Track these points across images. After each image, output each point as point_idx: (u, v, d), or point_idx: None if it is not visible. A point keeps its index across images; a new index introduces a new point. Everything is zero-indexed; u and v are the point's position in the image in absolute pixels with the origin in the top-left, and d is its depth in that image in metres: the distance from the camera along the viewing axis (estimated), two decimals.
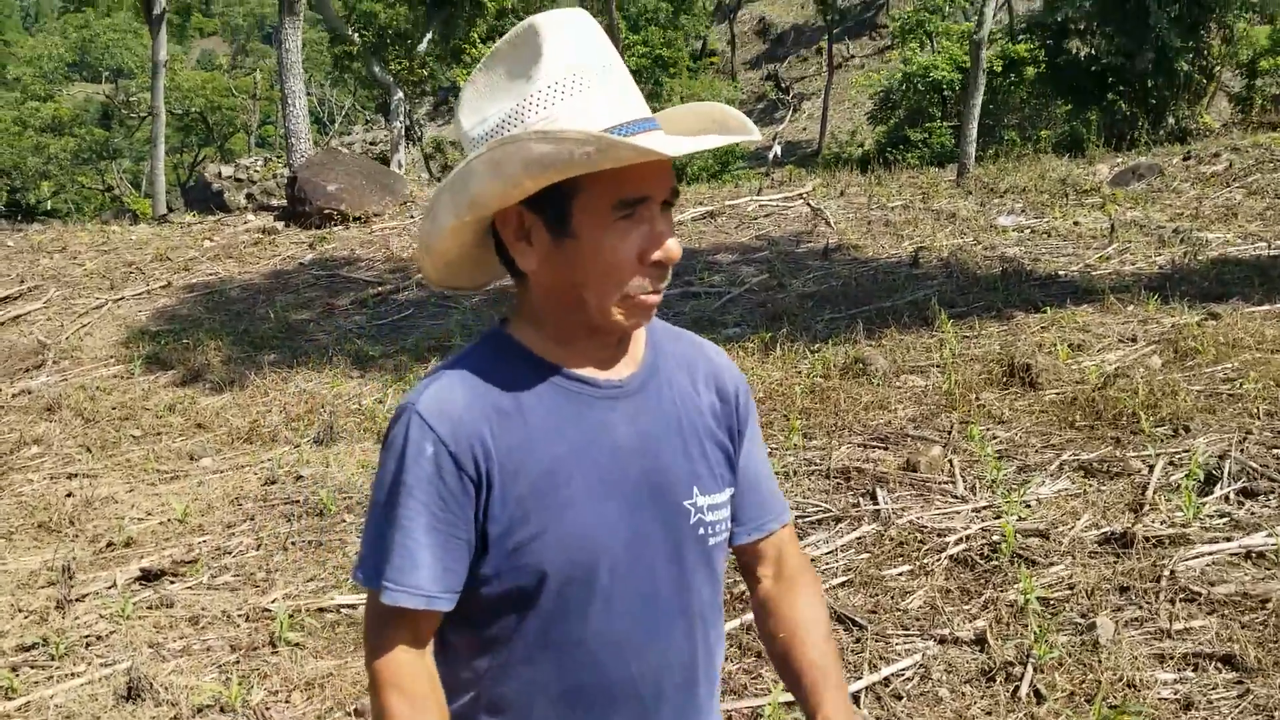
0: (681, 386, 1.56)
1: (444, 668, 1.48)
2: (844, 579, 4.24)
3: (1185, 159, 13.22)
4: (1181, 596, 3.80)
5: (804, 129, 38.63)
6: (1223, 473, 4.65)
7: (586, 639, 1.44)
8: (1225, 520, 4.33)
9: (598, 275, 1.40)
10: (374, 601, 1.42)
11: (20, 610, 4.67)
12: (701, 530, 1.51)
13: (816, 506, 4.91)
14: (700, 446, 1.54)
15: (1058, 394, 6.02)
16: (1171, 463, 4.92)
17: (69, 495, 6.23)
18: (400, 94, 22.84)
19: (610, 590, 1.44)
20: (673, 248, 1.40)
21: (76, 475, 6.64)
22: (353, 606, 4.46)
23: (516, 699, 1.46)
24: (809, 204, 12.87)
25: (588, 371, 1.48)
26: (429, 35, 23.84)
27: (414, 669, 1.42)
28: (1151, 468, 4.86)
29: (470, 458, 1.38)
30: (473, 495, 1.39)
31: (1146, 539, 4.18)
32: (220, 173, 18.11)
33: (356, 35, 23.34)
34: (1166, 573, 3.92)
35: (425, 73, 24.60)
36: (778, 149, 31.96)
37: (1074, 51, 19.35)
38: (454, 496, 1.39)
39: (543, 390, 1.45)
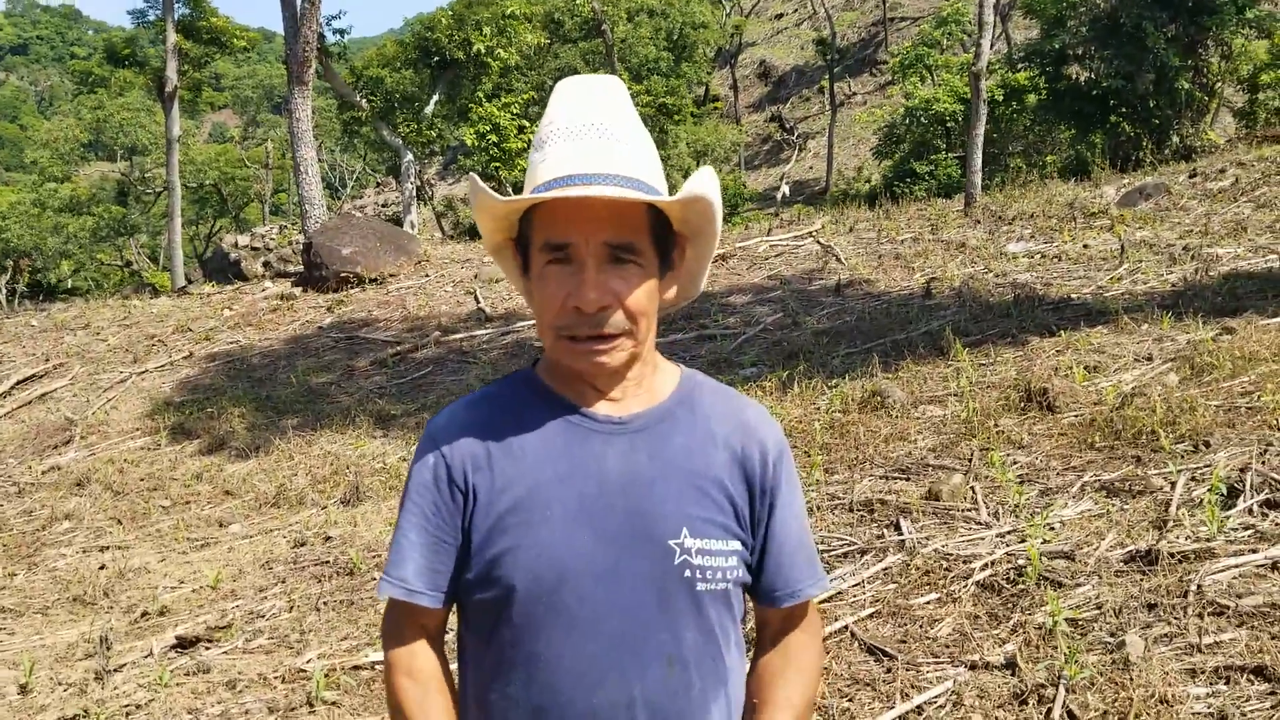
0: (696, 434, 1.59)
1: (460, 668, 1.63)
2: (871, 610, 4.25)
3: (1191, 176, 13.28)
4: (1210, 610, 3.79)
5: (810, 168, 38.94)
6: (1245, 486, 4.64)
7: (550, 660, 1.50)
8: (1250, 533, 4.32)
9: (537, 311, 1.56)
10: None
11: (60, 683, 4.73)
12: (688, 573, 1.52)
13: (841, 540, 4.94)
14: (702, 492, 1.55)
15: (1076, 416, 6.04)
16: (1193, 478, 4.91)
17: (102, 568, 6.31)
18: (410, 155, 23.19)
19: (577, 616, 1.50)
20: (585, 296, 1.46)
21: (108, 548, 6.72)
22: None
23: (494, 709, 1.55)
24: (819, 241, 12.95)
25: (593, 407, 1.58)
26: (435, 97, 24.22)
27: (421, 657, 1.57)
28: (1173, 484, 4.86)
29: (461, 470, 1.54)
30: (460, 505, 1.54)
31: (1172, 555, 4.19)
32: (237, 242, 18.35)
33: (365, 101, 23.72)
34: (1193, 587, 3.92)
35: (433, 133, 24.98)
36: (785, 188, 32.19)
37: (1074, 77, 19.49)
38: (445, 504, 1.55)
39: (544, 420, 1.57)
